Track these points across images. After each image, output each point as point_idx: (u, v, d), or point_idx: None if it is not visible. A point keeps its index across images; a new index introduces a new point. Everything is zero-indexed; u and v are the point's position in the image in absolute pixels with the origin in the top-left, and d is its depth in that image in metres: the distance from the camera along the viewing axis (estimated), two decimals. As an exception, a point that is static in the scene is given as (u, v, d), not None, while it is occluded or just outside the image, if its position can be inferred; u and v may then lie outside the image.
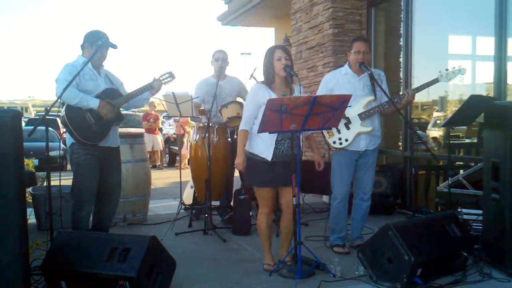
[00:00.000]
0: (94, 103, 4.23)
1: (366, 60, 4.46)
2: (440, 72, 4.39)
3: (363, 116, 4.42)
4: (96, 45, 4.28)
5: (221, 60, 5.65)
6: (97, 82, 4.37)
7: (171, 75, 4.61)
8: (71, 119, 4.16)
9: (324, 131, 4.47)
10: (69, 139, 4.30)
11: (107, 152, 4.42)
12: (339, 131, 4.45)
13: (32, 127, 3.88)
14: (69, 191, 4.41)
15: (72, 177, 4.39)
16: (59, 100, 4.06)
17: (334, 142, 4.47)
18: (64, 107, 4.17)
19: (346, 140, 4.44)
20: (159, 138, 13.37)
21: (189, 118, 11.71)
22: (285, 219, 4.04)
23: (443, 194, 5.14)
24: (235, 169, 5.79)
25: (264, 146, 3.88)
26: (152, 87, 4.52)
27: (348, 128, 4.44)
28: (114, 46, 4.38)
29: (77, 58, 4.37)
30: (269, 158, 3.86)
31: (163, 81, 4.59)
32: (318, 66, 7.33)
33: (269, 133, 3.72)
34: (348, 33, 6.94)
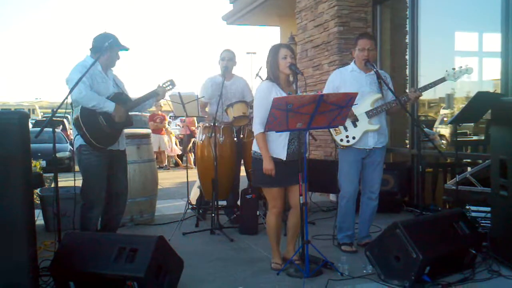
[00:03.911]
0: (110, 107, 4.26)
1: (371, 57, 4.44)
2: (447, 71, 4.37)
3: (370, 114, 4.41)
4: (111, 49, 4.32)
5: (226, 59, 5.65)
6: (107, 85, 4.40)
7: (172, 83, 4.69)
8: (85, 122, 4.18)
9: (331, 129, 4.46)
10: (77, 141, 4.30)
11: (114, 154, 4.45)
12: (346, 129, 4.44)
13: (39, 128, 3.89)
14: (77, 192, 4.43)
15: (79, 178, 4.40)
16: (73, 101, 4.12)
17: (341, 140, 4.46)
18: (79, 109, 4.17)
19: (354, 137, 4.43)
20: (166, 139, 13.40)
21: (195, 118, 11.76)
22: (292, 217, 4.04)
23: (451, 191, 5.12)
24: (242, 168, 5.83)
25: (276, 146, 3.86)
26: (157, 94, 4.60)
27: (355, 125, 4.43)
28: (126, 49, 4.42)
29: (85, 58, 4.37)
30: (284, 158, 3.85)
31: (166, 88, 4.67)
32: (324, 65, 7.32)
33: (276, 131, 3.71)
34: (353, 31, 6.91)
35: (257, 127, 3.85)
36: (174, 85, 4.70)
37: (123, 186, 4.60)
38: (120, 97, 4.42)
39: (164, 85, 4.65)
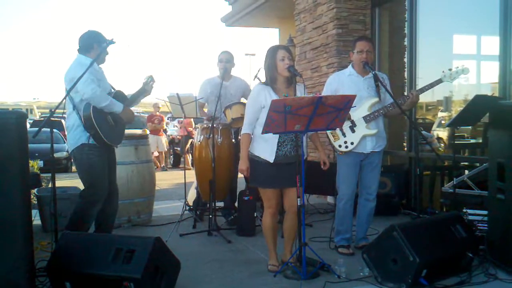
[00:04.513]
0: (119, 108, 4.35)
1: (369, 59, 4.44)
2: (443, 72, 4.37)
3: (368, 119, 4.41)
4: (101, 46, 4.32)
5: (224, 61, 5.67)
6: (105, 83, 4.44)
7: (152, 78, 4.73)
8: (97, 121, 4.20)
9: (329, 134, 4.46)
10: (78, 140, 4.28)
11: (111, 152, 4.51)
12: (344, 134, 4.44)
13: (37, 129, 3.89)
14: (74, 193, 4.43)
15: (73, 177, 4.39)
16: (85, 99, 4.16)
17: (340, 146, 4.45)
18: (91, 109, 4.18)
19: (352, 143, 4.42)
20: (164, 139, 13.39)
21: (192, 120, 11.76)
22: (288, 219, 4.05)
23: (448, 194, 5.12)
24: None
25: (266, 148, 3.89)
26: (145, 90, 4.68)
27: (353, 131, 4.43)
28: (112, 42, 4.41)
29: (79, 57, 4.35)
30: (271, 160, 3.86)
31: (150, 84, 4.71)
32: (322, 67, 7.33)
33: (273, 133, 3.71)
34: (352, 33, 6.92)
35: (243, 128, 3.99)
36: (154, 80, 4.74)
37: (115, 185, 4.66)
38: (119, 95, 4.48)
39: (148, 81, 4.69)
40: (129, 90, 4.73)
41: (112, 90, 4.49)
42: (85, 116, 4.20)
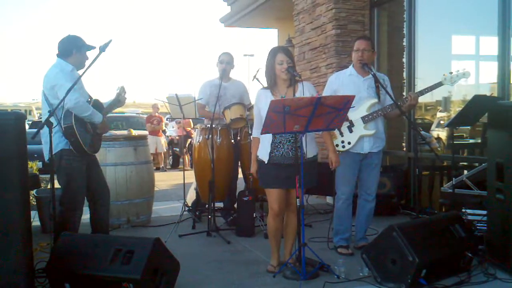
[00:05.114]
0: (99, 119, 4.34)
1: (366, 58, 4.43)
2: (444, 75, 4.37)
3: (366, 119, 4.41)
4: (81, 51, 4.33)
5: (225, 63, 5.68)
6: (84, 91, 4.42)
7: (124, 89, 4.71)
8: (78, 129, 4.19)
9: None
10: (57, 146, 4.24)
11: (91, 157, 4.51)
12: (342, 134, 4.44)
13: (36, 130, 3.88)
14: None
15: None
16: (68, 108, 4.11)
17: (337, 145, 4.46)
18: (72, 117, 4.15)
19: (349, 143, 4.43)
20: (163, 140, 13.39)
21: (190, 120, 11.77)
22: (287, 220, 4.05)
23: (447, 194, 5.12)
24: (239, 170, 5.83)
25: (262, 148, 3.94)
26: (119, 101, 4.65)
27: (351, 131, 4.43)
28: (93, 47, 4.40)
29: (59, 62, 4.30)
30: (266, 160, 3.89)
31: (122, 95, 4.69)
32: (321, 67, 7.33)
33: (272, 134, 3.75)
34: (351, 34, 6.93)
35: (253, 131, 4.13)
36: (125, 91, 4.72)
37: (106, 185, 4.67)
38: (97, 104, 4.48)
39: (120, 92, 4.67)
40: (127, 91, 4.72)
41: (90, 99, 4.47)
42: (66, 125, 4.16)
